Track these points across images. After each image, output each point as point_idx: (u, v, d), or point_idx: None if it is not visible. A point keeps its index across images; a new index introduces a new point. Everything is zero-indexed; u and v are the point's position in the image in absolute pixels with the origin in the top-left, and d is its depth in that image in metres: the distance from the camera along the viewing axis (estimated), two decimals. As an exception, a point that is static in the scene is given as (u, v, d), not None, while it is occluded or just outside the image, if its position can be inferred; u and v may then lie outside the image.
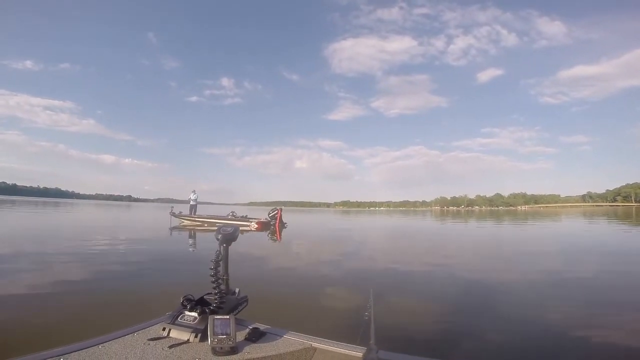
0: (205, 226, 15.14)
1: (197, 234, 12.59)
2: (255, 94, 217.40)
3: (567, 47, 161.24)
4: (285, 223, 16.07)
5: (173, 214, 16.24)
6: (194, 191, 18.04)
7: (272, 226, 15.23)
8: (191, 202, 17.79)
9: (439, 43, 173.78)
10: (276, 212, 16.10)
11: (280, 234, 13.00)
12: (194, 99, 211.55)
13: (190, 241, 10.53)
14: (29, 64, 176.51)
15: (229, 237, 1.27)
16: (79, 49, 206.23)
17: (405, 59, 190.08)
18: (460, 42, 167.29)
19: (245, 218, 16.14)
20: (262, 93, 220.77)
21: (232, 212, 16.99)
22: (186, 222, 16.28)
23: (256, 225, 14.51)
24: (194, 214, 17.34)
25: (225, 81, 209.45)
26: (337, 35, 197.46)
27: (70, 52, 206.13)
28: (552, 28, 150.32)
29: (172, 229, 13.58)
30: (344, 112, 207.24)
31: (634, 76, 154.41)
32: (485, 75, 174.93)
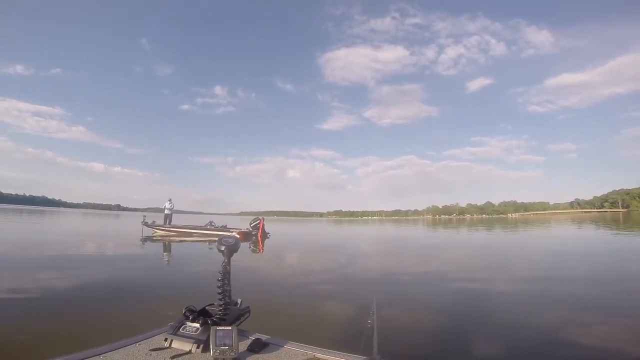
0: (180, 237, 14.86)
1: (172, 245, 12.33)
2: (249, 102, 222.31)
3: (553, 55, 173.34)
4: (268, 233, 15.99)
5: (146, 224, 15.80)
6: (169, 200, 17.65)
7: (254, 236, 15.12)
8: (166, 211, 17.38)
9: (430, 53, 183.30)
10: (258, 221, 16.01)
11: (262, 245, 12.91)
12: (186, 107, 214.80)
13: (164, 254, 10.26)
14: (19, 68, 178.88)
15: (232, 248, 1.33)
16: (70, 54, 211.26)
17: (398, 68, 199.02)
18: (451, 52, 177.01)
19: (224, 228, 15.94)
20: (255, 102, 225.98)
21: (211, 221, 16.77)
22: (160, 232, 15.88)
23: (237, 236, 14.29)
24: (169, 223, 16.96)
25: (218, 89, 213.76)
26: (331, 45, 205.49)
27: (62, 58, 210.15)
28: (539, 37, 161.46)
29: (145, 239, 13.21)
30: (337, 121, 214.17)
31: (618, 84, 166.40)
32: (475, 85, 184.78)
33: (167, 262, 8.58)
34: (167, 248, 11.57)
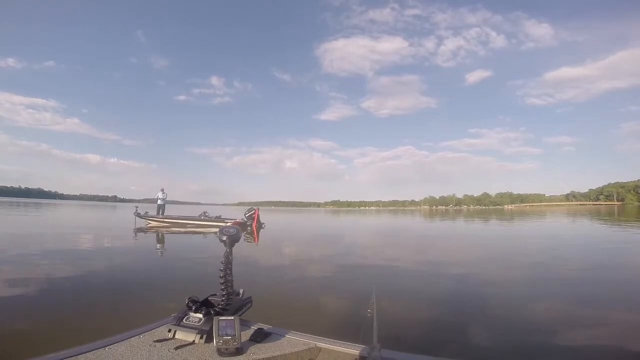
0: (175, 228, 14.87)
1: (166, 236, 12.34)
2: (246, 93, 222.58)
3: (553, 49, 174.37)
4: (263, 223, 16.06)
5: (138, 215, 15.74)
6: (162, 190, 17.54)
7: (249, 227, 15.17)
8: (159, 202, 17.30)
9: (429, 44, 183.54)
10: (253, 212, 16.04)
11: (257, 235, 12.98)
12: (182, 97, 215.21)
13: (158, 245, 10.27)
14: (11, 61, 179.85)
15: (233, 238, 1.35)
16: (64, 47, 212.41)
17: (396, 59, 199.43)
18: (450, 44, 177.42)
19: (219, 219, 15.98)
20: (252, 92, 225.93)
21: (205, 212, 16.77)
22: (153, 223, 15.85)
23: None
24: (162, 214, 16.91)
25: (215, 80, 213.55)
26: (329, 35, 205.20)
27: (55, 50, 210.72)
28: (539, 30, 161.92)
29: (137, 230, 13.19)
30: (335, 112, 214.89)
31: (616, 78, 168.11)
32: (474, 77, 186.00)
33: (161, 253, 8.59)
34: (160, 239, 11.55)
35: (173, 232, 13.40)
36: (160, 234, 12.75)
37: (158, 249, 9.32)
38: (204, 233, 12.78)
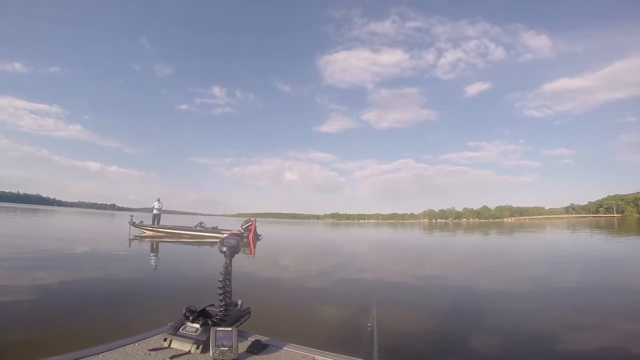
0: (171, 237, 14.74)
1: (161, 245, 12.23)
2: (247, 103, 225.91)
3: (551, 60, 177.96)
4: (260, 235, 15.95)
5: (133, 224, 15.64)
6: (158, 199, 17.49)
7: (246, 238, 15.06)
8: (154, 211, 17.21)
9: (429, 56, 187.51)
10: (250, 223, 15.93)
11: (254, 247, 12.89)
12: (184, 107, 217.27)
13: (152, 255, 10.15)
14: (18, 66, 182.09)
15: (233, 250, 1.35)
16: (70, 53, 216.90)
17: (397, 72, 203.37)
18: (450, 56, 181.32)
19: (215, 229, 15.89)
20: (253, 103, 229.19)
21: (201, 222, 16.71)
22: (148, 233, 15.73)
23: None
24: (157, 223, 16.82)
25: (217, 90, 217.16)
26: (330, 47, 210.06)
27: (61, 56, 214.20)
28: (537, 42, 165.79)
29: (132, 240, 13.09)
30: (335, 124, 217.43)
31: (615, 89, 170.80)
32: (473, 89, 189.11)
33: (154, 263, 8.49)
34: (154, 249, 11.45)
35: (168, 242, 13.30)
36: (154, 243, 12.64)
37: (151, 259, 9.22)
38: (199, 243, 12.74)
